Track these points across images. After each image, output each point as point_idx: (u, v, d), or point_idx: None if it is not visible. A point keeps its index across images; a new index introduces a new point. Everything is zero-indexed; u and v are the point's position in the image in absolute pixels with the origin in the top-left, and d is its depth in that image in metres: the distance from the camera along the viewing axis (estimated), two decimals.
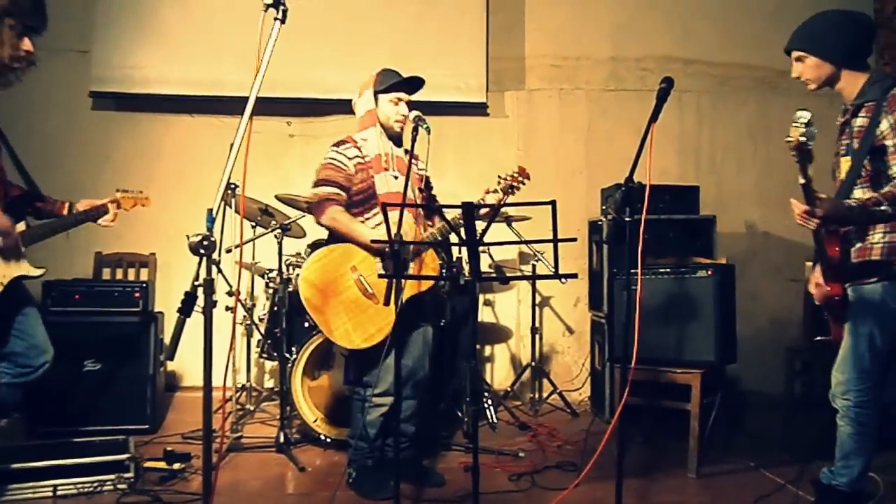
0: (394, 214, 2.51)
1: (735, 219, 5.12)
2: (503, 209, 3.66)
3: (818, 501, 2.70)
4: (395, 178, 3.09)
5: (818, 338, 2.96)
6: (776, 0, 5.22)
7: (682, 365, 3.45)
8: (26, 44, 2.43)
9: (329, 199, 2.99)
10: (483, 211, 2.99)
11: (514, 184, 3.03)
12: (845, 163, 2.57)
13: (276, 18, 1.92)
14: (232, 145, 1.94)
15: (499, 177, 3.06)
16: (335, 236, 3.05)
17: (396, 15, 5.16)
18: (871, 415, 2.54)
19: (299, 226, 4.26)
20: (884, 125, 2.44)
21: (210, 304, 1.83)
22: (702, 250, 4.14)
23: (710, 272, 3.46)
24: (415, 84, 3.16)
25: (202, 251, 1.79)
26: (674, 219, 4.24)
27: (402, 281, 2.85)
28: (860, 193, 2.50)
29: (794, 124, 2.24)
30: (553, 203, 2.03)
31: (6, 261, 2.64)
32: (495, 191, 3.02)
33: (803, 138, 2.21)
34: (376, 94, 3.12)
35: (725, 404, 3.66)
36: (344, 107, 5.15)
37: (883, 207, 2.36)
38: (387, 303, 2.45)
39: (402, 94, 3.13)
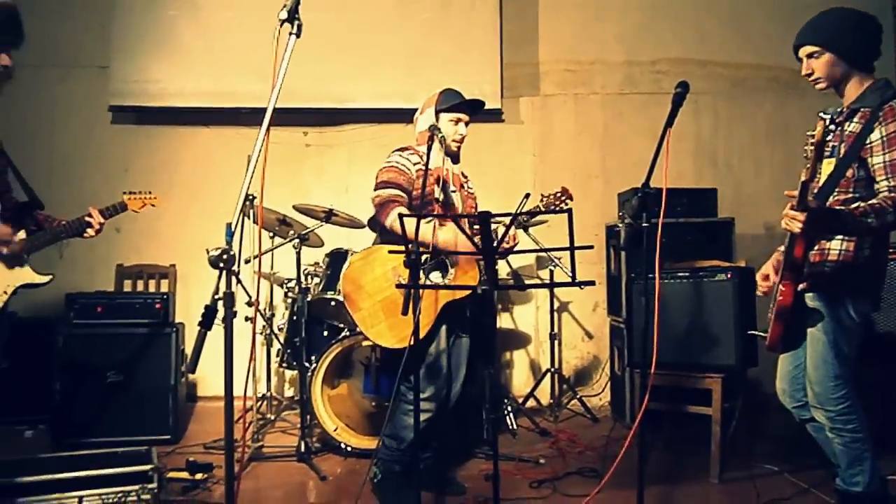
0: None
1: (754, 221, 5.06)
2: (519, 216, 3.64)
3: None
4: (453, 192, 3.12)
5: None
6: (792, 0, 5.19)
7: (703, 369, 3.42)
8: (3, 59, 2.43)
9: (393, 201, 2.98)
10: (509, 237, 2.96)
11: (557, 203, 3.04)
12: (828, 165, 2.49)
13: (291, 33, 1.93)
14: (249, 158, 1.96)
15: (542, 195, 3.08)
16: (388, 238, 3.01)
17: (410, 24, 5.19)
18: (856, 419, 2.48)
19: (317, 235, 4.28)
20: (875, 136, 2.38)
21: (230, 318, 1.84)
22: (720, 253, 4.11)
23: (729, 275, 3.44)
24: (475, 106, 3.17)
25: (221, 265, 1.80)
26: (692, 222, 4.21)
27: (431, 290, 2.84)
28: (839, 197, 2.44)
29: (821, 119, 2.22)
30: (569, 211, 2.03)
31: (9, 268, 2.71)
32: (538, 207, 3.00)
33: (828, 136, 2.18)
34: (437, 112, 3.12)
35: (747, 408, 3.63)
36: (358, 116, 5.26)
37: (870, 220, 2.27)
38: (405, 312, 2.44)
39: (461, 115, 3.14)
